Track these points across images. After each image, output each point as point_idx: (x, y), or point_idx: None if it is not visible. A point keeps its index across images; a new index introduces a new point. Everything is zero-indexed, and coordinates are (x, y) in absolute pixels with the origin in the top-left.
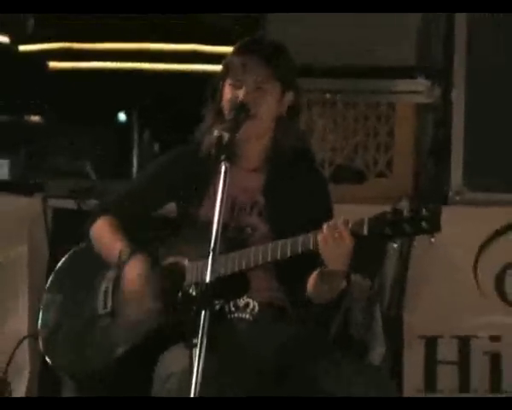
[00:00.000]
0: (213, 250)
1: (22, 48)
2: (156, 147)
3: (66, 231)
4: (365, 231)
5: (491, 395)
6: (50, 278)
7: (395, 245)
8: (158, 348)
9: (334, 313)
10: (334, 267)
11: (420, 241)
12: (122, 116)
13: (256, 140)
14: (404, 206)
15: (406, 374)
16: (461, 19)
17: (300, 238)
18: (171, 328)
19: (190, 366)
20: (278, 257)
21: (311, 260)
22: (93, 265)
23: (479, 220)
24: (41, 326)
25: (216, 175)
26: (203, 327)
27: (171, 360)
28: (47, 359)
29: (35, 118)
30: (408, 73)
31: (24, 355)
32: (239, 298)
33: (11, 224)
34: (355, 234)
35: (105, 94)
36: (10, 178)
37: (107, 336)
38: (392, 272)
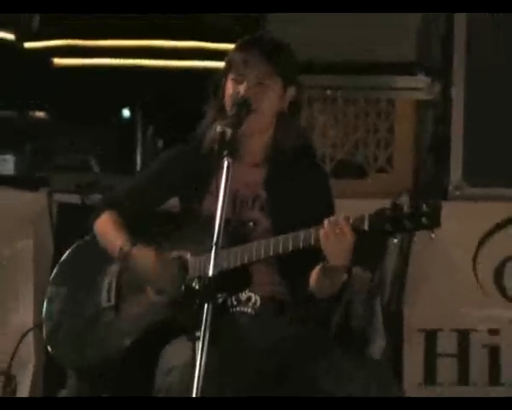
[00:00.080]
0: (216, 244)
1: (27, 45)
2: (160, 143)
3: (71, 226)
4: (366, 227)
5: (489, 388)
6: (55, 271)
7: (395, 240)
8: (161, 342)
9: (335, 305)
10: (336, 262)
11: (420, 236)
12: (126, 112)
13: (258, 135)
14: (404, 201)
15: (406, 367)
16: (460, 18)
17: (302, 233)
18: (174, 321)
19: (193, 359)
20: (280, 252)
21: (313, 254)
22: (97, 258)
23: (478, 215)
24: (45, 318)
25: (218, 170)
26: (206, 320)
27: (173, 354)
28: (49, 348)
29: (40, 114)
30: (408, 69)
31: (29, 349)
32: (241, 292)
33: (17, 218)
34: (356, 230)
35: (109, 91)
36: (16, 174)
37: (110, 329)
38: (392, 266)
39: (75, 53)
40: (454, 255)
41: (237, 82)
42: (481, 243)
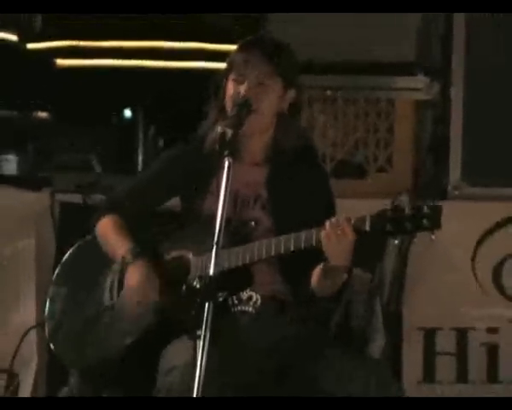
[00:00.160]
0: (217, 244)
1: (30, 46)
2: (161, 143)
3: (73, 225)
4: (367, 228)
5: (488, 386)
6: (57, 270)
7: (396, 241)
8: (162, 341)
9: (335, 305)
10: (337, 263)
11: (420, 236)
12: (127, 113)
13: (258, 135)
14: (404, 200)
15: (406, 365)
16: (459, 18)
17: (303, 234)
18: (175, 321)
19: (194, 359)
20: (282, 252)
21: (314, 254)
22: (99, 257)
23: (477, 215)
24: (47, 317)
25: (219, 170)
26: (206, 319)
27: (173, 353)
28: (51, 346)
29: (42, 114)
30: (407, 69)
31: (31, 347)
32: (242, 291)
33: (19, 217)
34: (357, 230)
35: (111, 91)
36: (18, 173)
37: (112, 328)
38: (391, 266)
39: (77, 54)
40: (453, 255)
41: (238, 82)
42: (480, 242)
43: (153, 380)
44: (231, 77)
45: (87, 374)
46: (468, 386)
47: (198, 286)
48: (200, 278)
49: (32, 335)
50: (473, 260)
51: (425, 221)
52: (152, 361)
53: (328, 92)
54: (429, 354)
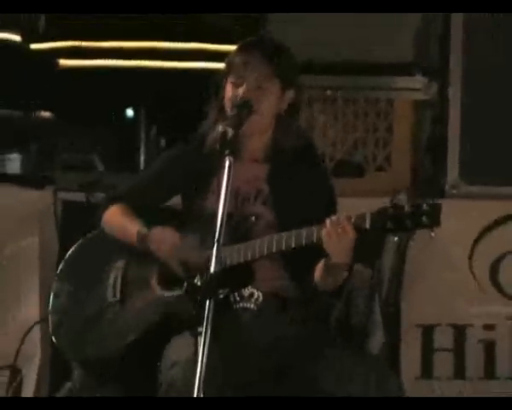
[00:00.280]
0: (217, 241)
1: (33, 46)
2: (162, 142)
3: (76, 223)
4: (367, 225)
5: (485, 382)
6: (60, 266)
7: (395, 239)
8: (164, 337)
9: (336, 302)
10: (338, 260)
11: (418, 234)
12: (129, 113)
13: (258, 136)
14: (403, 199)
15: (404, 361)
16: (457, 19)
17: (304, 231)
18: (178, 317)
19: (195, 355)
20: (283, 248)
21: (317, 249)
22: (102, 254)
23: (474, 213)
24: (51, 313)
25: (219, 169)
26: (207, 316)
27: (176, 349)
28: (54, 341)
29: (45, 114)
30: (406, 70)
31: (35, 343)
32: (243, 288)
33: (22, 216)
34: (357, 228)
35: (113, 91)
36: (22, 172)
37: (115, 324)
38: (389, 263)
39: (80, 54)
40: (451, 252)
41: (236, 85)
42: (478, 240)
43: (154, 376)
44: (230, 80)
45: (90, 369)
46: (466, 382)
47: (199, 283)
48: (202, 275)
49: (36, 331)
50: (470, 258)
51: (424, 219)
52: (154, 357)
53: (328, 92)
54: (427, 350)
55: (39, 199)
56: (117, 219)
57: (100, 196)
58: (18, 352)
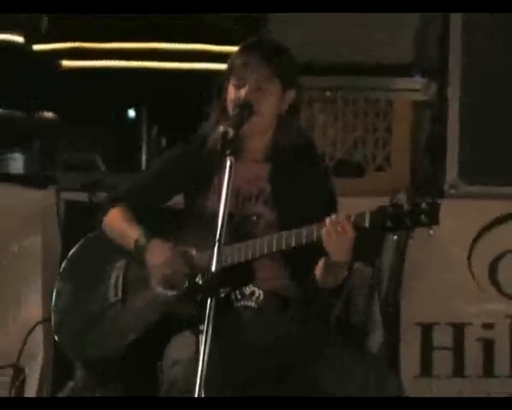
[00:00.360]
0: (218, 241)
1: (36, 47)
2: (164, 142)
3: (78, 222)
4: (367, 224)
5: (483, 380)
6: (63, 265)
7: (395, 237)
8: (165, 336)
9: (336, 300)
10: (338, 259)
11: (417, 233)
12: (131, 113)
13: (258, 136)
14: (402, 198)
15: (403, 360)
16: (456, 19)
17: (304, 231)
18: (179, 316)
19: (196, 353)
20: (283, 248)
21: (317, 248)
22: (104, 253)
23: (473, 212)
24: (53, 312)
25: (220, 169)
26: (209, 315)
27: (177, 348)
28: (57, 339)
29: (48, 114)
30: (406, 71)
31: (37, 342)
32: (244, 287)
33: (25, 215)
34: (357, 226)
35: (115, 92)
36: (24, 172)
37: (117, 323)
38: (389, 262)
39: (82, 55)
40: (449, 251)
41: (238, 87)
42: (476, 239)
43: (155, 375)
44: (232, 81)
45: (92, 368)
46: (465, 380)
47: (200, 282)
48: (203, 274)
49: (39, 330)
50: (469, 257)
51: (423, 217)
52: (155, 356)
53: (328, 93)
54: (426, 348)
55: (42, 199)
56: (117, 224)
57: (102, 195)
58: (21, 351)
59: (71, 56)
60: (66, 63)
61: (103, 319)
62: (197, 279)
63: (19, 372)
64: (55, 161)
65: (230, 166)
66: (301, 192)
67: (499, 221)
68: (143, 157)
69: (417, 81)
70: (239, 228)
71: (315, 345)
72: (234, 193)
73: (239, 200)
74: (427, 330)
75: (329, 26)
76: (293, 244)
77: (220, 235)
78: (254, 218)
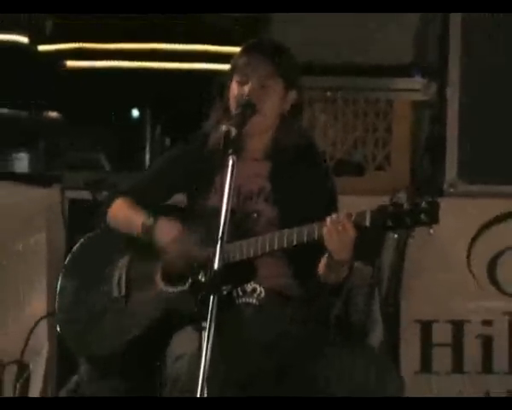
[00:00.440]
0: (221, 239)
1: (41, 48)
2: (167, 141)
3: (82, 221)
4: (367, 223)
5: (482, 377)
6: (66, 262)
7: (395, 236)
8: (168, 332)
9: (336, 299)
10: (339, 257)
11: (418, 232)
12: (135, 113)
13: (259, 136)
14: (402, 197)
15: (403, 356)
16: (455, 19)
17: (305, 229)
18: (182, 312)
19: (199, 350)
20: (284, 245)
21: (319, 247)
22: (107, 250)
23: (472, 211)
24: (57, 308)
25: (222, 168)
26: (211, 312)
27: (180, 344)
28: (60, 332)
29: (53, 114)
30: (406, 71)
31: (42, 338)
32: (246, 284)
33: (30, 213)
34: (358, 225)
35: (119, 92)
36: (29, 171)
37: (120, 319)
38: (389, 261)
39: (86, 56)
40: (449, 250)
41: (241, 84)
42: (475, 238)
43: (157, 372)
44: (235, 79)
45: (95, 364)
46: (464, 377)
47: (203, 280)
48: (206, 271)
49: (43, 326)
50: (468, 255)
51: (423, 216)
52: (157, 353)
53: (328, 93)
54: (426, 345)
55: (47, 197)
56: (122, 212)
57: (106, 194)
58: (25, 347)
59: (75, 57)
60: (70, 63)
61: (106, 315)
62: (200, 277)
63: (23, 368)
64: (60, 161)
65: (233, 165)
66: (302, 190)
67: (498, 220)
68: (147, 157)
69: (417, 81)
70: (240, 225)
71: (315, 345)
72: (235, 191)
73: (240, 198)
74: (426, 327)
75: (329, 26)
76: (295, 242)
77: (223, 232)
78: (255, 215)
